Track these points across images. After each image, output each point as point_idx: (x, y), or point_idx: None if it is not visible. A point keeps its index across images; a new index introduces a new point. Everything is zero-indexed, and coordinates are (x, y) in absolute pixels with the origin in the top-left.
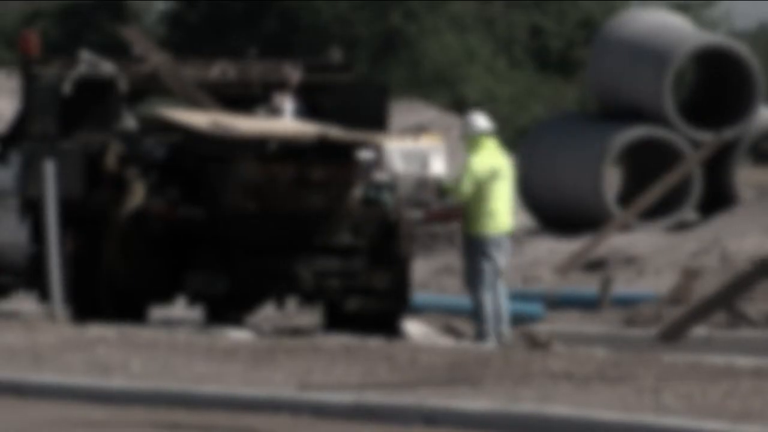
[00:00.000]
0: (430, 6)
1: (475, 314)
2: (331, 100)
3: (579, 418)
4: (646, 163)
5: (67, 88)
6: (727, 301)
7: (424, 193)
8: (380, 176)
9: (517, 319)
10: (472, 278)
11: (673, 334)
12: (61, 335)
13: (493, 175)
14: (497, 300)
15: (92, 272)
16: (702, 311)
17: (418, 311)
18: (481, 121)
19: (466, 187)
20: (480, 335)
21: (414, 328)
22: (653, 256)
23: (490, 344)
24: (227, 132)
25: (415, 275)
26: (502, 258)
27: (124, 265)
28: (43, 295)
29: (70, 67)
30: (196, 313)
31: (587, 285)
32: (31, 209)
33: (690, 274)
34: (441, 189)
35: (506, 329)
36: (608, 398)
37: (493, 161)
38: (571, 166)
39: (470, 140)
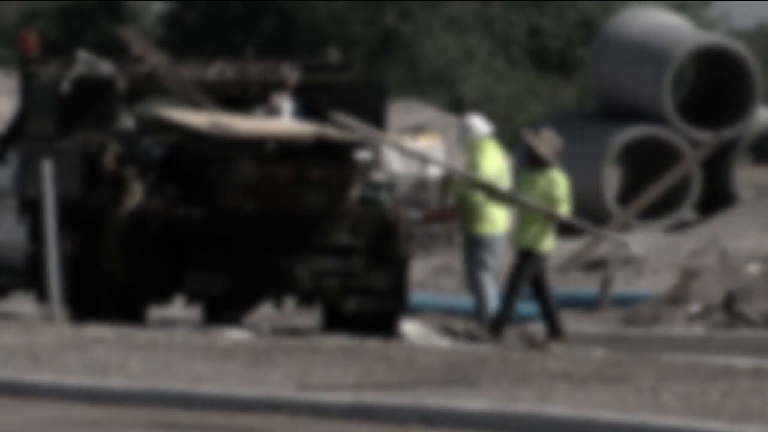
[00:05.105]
0: (426, 6)
1: (479, 314)
2: (330, 100)
3: (577, 418)
4: (645, 163)
5: (65, 88)
6: None
7: (423, 193)
8: (378, 176)
9: (516, 319)
10: (476, 278)
11: None
12: (59, 335)
13: (499, 177)
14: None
15: (90, 272)
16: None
17: (416, 311)
18: (481, 124)
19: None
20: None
21: (412, 328)
22: (652, 255)
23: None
24: (225, 132)
25: (413, 275)
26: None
27: (123, 265)
28: (41, 295)
29: (69, 67)
30: (194, 313)
31: (587, 285)
32: (30, 209)
33: (689, 274)
34: (447, 184)
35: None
36: (607, 398)
37: (499, 163)
38: (570, 165)
39: (473, 144)
